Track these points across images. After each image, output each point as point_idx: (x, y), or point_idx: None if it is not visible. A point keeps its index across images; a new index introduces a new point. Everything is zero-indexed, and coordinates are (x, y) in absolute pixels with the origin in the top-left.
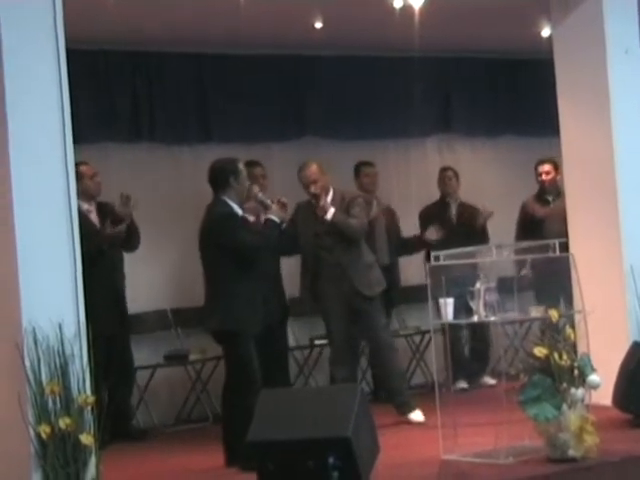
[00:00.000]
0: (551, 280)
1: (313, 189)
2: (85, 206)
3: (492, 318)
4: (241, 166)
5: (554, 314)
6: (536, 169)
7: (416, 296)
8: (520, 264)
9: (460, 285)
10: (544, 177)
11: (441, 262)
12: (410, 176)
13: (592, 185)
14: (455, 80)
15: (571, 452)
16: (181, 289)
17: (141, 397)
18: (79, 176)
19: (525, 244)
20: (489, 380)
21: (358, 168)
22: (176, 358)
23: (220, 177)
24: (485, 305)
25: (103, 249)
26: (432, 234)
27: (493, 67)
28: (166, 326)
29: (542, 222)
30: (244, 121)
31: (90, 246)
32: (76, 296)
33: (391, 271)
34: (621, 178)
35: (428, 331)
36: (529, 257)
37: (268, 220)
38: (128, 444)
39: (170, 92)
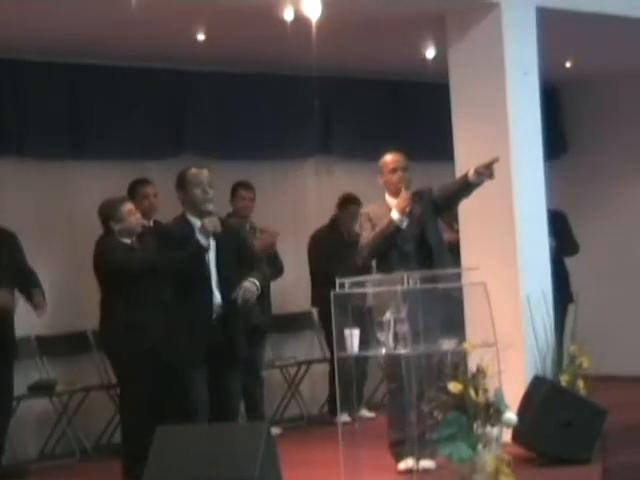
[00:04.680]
0: (438, 312)
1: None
2: None
3: (403, 351)
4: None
5: (469, 347)
6: None
7: (292, 325)
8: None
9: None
10: None
11: (346, 290)
12: (287, 199)
13: (488, 212)
14: (336, 101)
15: None
16: (47, 315)
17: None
18: None
19: (430, 273)
20: (366, 413)
21: (235, 190)
22: (42, 389)
23: None
24: (395, 337)
25: None
26: None
27: (376, 89)
28: (30, 354)
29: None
30: (119, 137)
31: None
32: None
33: (264, 298)
34: (519, 205)
35: (305, 362)
36: (440, 286)
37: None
38: None
39: (40, 104)
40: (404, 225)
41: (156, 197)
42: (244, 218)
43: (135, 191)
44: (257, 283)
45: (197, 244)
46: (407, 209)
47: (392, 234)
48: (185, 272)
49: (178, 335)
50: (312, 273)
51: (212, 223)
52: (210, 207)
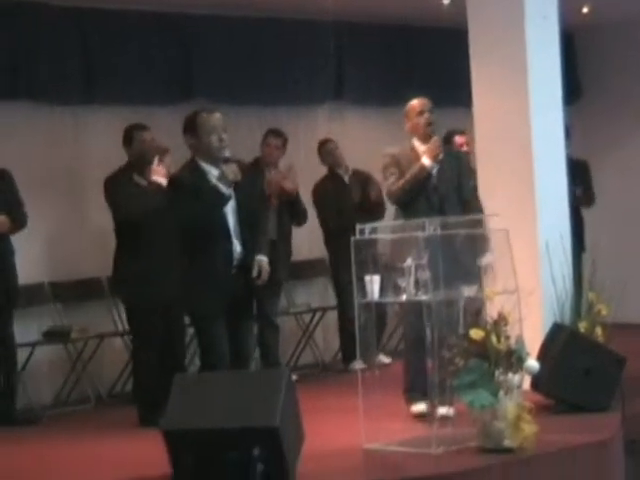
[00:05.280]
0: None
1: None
2: None
3: (424, 297)
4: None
5: (490, 293)
6: (449, 140)
7: (306, 272)
8: None
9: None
10: (465, 148)
11: (366, 236)
12: (299, 145)
13: (506, 157)
14: (350, 46)
15: (507, 442)
16: (60, 260)
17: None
18: None
19: (455, 219)
20: (384, 359)
21: (265, 136)
22: (56, 335)
23: None
24: (417, 283)
25: None
26: None
27: (390, 34)
28: (43, 300)
29: None
30: (129, 82)
31: None
32: None
33: (278, 246)
34: (537, 150)
35: (318, 309)
36: (462, 232)
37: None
38: (10, 429)
39: (51, 48)
40: (434, 172)
41: (154, 142)
42: (270, 165)
43: (132, 136)
44: (266, 259)
45: (217, 193)
46: (440, 156)
47: (423, 181)
48: (206, 222)
49: (199, 287)
50: (320, 223)
51: (232, 171)
52: (227, 153)
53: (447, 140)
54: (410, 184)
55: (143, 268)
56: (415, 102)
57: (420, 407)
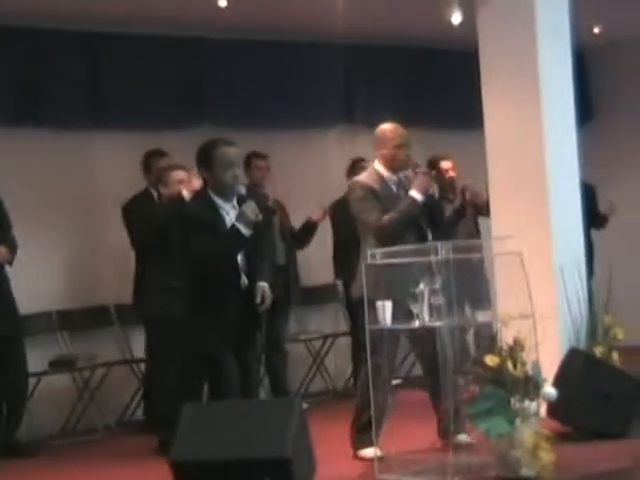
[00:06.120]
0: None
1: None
2: None
3: (438, 323)
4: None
5: (507, 318)
6: (435, 166)
7: (318, 298)
8: None
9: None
10: (452, 173)
11: (377, 260)
12: (310, 169)
13: (519, 179)
14: (359, 69)
15: (524, 471)
16: (67, 289)
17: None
18: None
19: (464, 243)
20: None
21: (249, 159)
22: (63, 364)
23: None
24: (430, 309)
25: None
26: None
27: (400, 56)
28: (50, 329)
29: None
30: (137, 107)
31: None
32: None
33: (287, 271)
34: (551, 172)
35: (330, 335)
36: (476, 255)
37: None
38: (13, 461)
39: (58, 74)
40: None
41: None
42: (262, 187)
43: (150, 164)
44: (267, 285)
45: (237, 236)
46: (429, 190)
47: (414, 214)
48: (221, 262)
49: (205, 325)
50: (335, 244)
51: (253, 211)
52: (242, 190)
53: (432, 165)
54: (404, 219)
55: (167, 285)
56: (391, 131)
57: (369, 452)
